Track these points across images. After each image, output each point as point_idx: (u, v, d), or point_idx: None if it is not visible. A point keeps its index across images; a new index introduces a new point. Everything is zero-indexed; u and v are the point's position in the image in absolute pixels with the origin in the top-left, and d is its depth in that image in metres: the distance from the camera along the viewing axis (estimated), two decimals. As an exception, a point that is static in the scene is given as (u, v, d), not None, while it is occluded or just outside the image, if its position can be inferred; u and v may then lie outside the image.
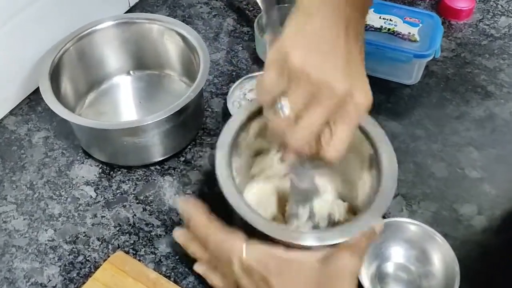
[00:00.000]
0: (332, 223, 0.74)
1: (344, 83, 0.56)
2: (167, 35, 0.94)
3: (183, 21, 0.95)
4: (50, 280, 0.76)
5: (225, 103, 0.94)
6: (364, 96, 0.59)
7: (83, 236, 0.80)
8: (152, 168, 0.88)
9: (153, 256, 0.78)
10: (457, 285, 0.70)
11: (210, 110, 0.96)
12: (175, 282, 0.75)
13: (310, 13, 0.57)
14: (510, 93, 0.98)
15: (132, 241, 0.80)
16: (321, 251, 0.63)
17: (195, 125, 0.91)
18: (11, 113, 0.96)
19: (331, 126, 0.59)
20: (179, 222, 0.81)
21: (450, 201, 0.84)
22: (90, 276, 0.74)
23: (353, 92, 0.57)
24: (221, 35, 1.10)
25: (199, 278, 0.75)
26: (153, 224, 0.82)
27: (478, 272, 0.76)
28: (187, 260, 0.77)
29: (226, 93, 0.95)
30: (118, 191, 0.85)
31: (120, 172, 0.88)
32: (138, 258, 0.78)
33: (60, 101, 0.82)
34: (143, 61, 0.99)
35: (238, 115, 0.73)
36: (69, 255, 0.79)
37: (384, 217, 0.81)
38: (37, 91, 0.95)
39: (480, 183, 0.86)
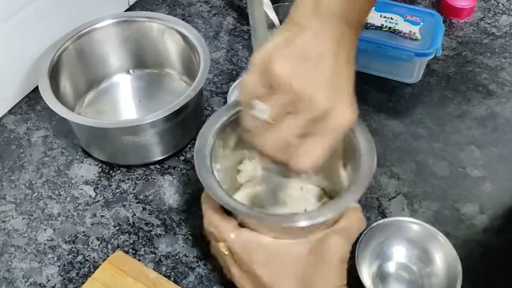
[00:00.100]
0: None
1: (325, 99, 0.55)
2: (167, 34, 0.94)
3: (183, 19, 0.94)
4: (49, 280, 0.76)
5: (225, 102, 0.94)
6: (344, 115, 0.56)
7: (83, 236, 0.80)
8: (152, 167, 0.88)
9: (153, 255, 0.78)
10: (459, 285, 0.70)
11: (210, 109, 0.95)
12: (175, 282, 0.74)
13: (302, 25, 0.55)
14: (512, 92, 0.98)
15: (131, 241, 0.79)
16: (309, 238, 0.63)
17: (195, 124, 0.90)
18: (10, 112, 0.96)
19: (306, 139, 0.57)
20: (179, 222, 0.81)
21: (452, 200, 0.83)
22: (90, 276, 0.74)
23: (333, 110, 0.55)
24: (221, 33, 1.10)
25: (199, 278, 0.75)
26: (152, 224, 0.81)
27: (480, 271, 0.75)
28: (187, 260, 0.77)
29: (226, 92, 0.94)
30: (117, 191, 0.85)
31: (119, 171, 0.87)
32: (137, 258, 0.77)
33: (59, 100, 0.82)
34: (143, 60, 0.99)
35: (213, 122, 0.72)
36: (68, 254, 0.78)
37: (385, 216, 0.81)
38: (36, 90, 0.95)
39: (482, 182, 0.85)
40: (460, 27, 1.10)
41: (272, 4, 1.02)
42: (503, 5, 1.14)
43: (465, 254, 0.74)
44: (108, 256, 0.76)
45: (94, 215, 0.82)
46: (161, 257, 0.78)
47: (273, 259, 0.62)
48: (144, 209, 0.83)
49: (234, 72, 1.02)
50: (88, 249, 0.79)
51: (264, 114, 0.56)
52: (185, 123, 0.86)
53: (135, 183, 0.86)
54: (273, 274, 0.62)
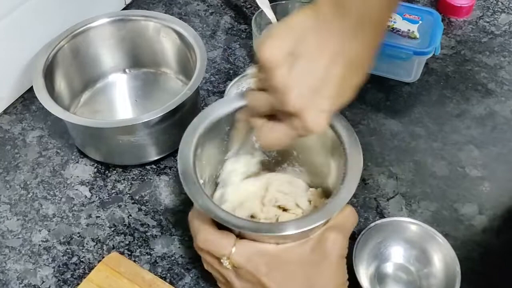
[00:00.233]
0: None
1: (297, 100, 0.56)
2: (164, 33, 0.93)
3: (179, 18, 0.93)
4: (43, 282, 0.75)
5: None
6: (312, 121, 0.57)
7: (78, 237, 0.79)
8: (148, 167, 0.87)
9: (149, 257, 0.77)
10: (458, 286, 0.69)
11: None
12: (171, 283, 0.74)
13: (318, 14, 0.55)
14: (511, 91, 0.97)
15: (127, 242, 0.79)
16: (308, 238, 0.63)
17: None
18: (5, 112, 0.95)
19: (275, 120, 0.61)
20: (175, 222, 0.80)
21: (450, 200, 0.83)
22: (85, 278, 0.73)
23: (302, 112, 0.56)
24: (218, 32, 1.09)
25: (195, 279, 0.75)
26: (148, 225, 0.80)
27: (479, 272, 0.75)
28: (183, 261, 0.76)
29: (223, 91, 0.94)
30: (113, 191, 0.84)
31: (115, 171, 0.87)
32: (133, 259, 0.77)
33: (55, 100, 0.81)
34: (139, 59, 0.98)
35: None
36: (63, 256, 0.77)
37: (383, 216, 0.80)
38: (31, 90, 0.94)
39: (481, 182, 0.85)
40: (459, 25, 1.10)
41: (270, 3, 1.02)
42: (502, 3, 1.14)
43: (464, 255, 0.73)
44: (103, 257, 0.76)
45: (90, 216, 0.81)
46: (157, 258, 0.77)
47: (277, 266, 0.62)
48: (140, 209, 0.82)
49: (231, 71, 1.01)
50: (83, 250, 0.78)
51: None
52: (181, 123, 0.84)
53: (131, 184, 0.85)
54: (279, 280, 0.61)
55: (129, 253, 0.77)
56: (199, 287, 0.74)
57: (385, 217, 0.79)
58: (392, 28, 0.97)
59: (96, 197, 0.84)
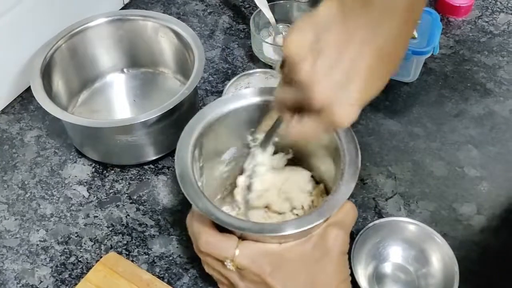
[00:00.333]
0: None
1: (324, 92, 0.54)
2: (162, 32, 0.93)
3: (178, 18, 0.93)
4: (41, 282, 0.75)
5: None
6: (340, 113, 0.55)
7: (75, 237, 0.79)
8: (146, 167, 0.87)
9: (147, 256, 0.77)
10: (456, 286, 0.69)
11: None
12: (169, 283, 0.74)
13: (343, 5, 0.53)
14: (510, 91, 0.97)
15: (125, 242, 0.78)
16: (310, 236, 0.63)
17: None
18: (3, 111, 0.95)
19: (301, 113, 0.59)
20: (173, 222, 0.80)
21: (449, 200, 0.82)
22: (82, 277, 0.73)
23: (330, 107, 0.54)
24: (217, 32, 1.09)
25: (193, 279, 0.74)
26: (146, 224, 0.80)
27: (478, 272, 0.75)
28: (181, 261, 0.76)
29: (221, 91, 0.94)
30: (111, 191, 0.84)
31: (113, 171, 0.86)
32: (131, 259, 0.76)
33: (52, 100, 0.81)
34: (137, 59, 0.98)
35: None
36: (61, 255, 0.77)
37: (381, 216, 0.80)
38: (29, 89, 0.94)
39: (480, 182, 0.85)
40: (458, 25, 1.09)
41: (268, 3, 1.01)
42: (501, 3, 1.14)
43: (462, 255, 0.73)
44: (101, 257, 0.75)
45: (87, 215, 0.81)
46: (155, 258, 0.77)
47: (280, 265, 0.62)
48: (137, 209, 0.82)
49: (229, 71, 1.01)
50: (81, 250, 0.78)
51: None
52: (179, 123, 0.84)
53: (129, 183, 0.85)
54: (283, 279, 0.61)
55: (127, 253, 0.77)
56: (197, 287, 0.74)
57: (383, 217, 0.79)
58: (391, 27, 0.97)
59: (94, 197, 0.83)
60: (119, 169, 0.87)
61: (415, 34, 0.96)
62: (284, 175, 0.76)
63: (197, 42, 0.88)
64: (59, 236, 0.79)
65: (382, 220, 0.76)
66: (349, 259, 0.70)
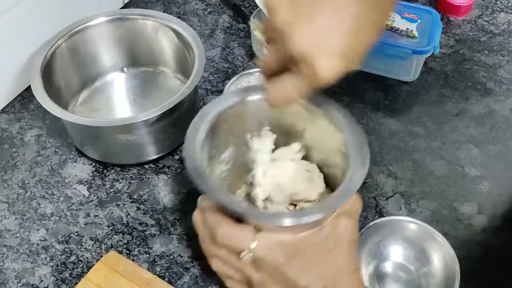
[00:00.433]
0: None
1: (304, 41, 0.51)
2: (162, 32, 0.93)
3: (178, 17, 0.93)
4: (42, 281, 0.75)
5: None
6: (324, 67, 0.51)
7: (76, 236, 0.79)
8: (146, 166, 0.87)
9: (147, 256, 0.77)
10: (457, 285, 0.69)
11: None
12: (170, 282, 0.74)
13: None
14: (510, 90, 0.97)
15: (125, 241, 0.78)
16: (321, 226, 0.63)
17: (189, 123, 0.89)
18: (3, 111, 0.95)
19: (284, 74, 0.57)
20: (174, 221, 0.80)
21: (449, 199, 0.82)
22: (83, 277, 0.73)
23: (313, 57, 0.51)
24: (217, 31, 1.09)
25: (194, 278, 0.74)
26: (147, 224, 0.80)
27: (479, 272, 0.75)
28: (182, 260, 0.76)
29: (222, 90, 0.94)
30: (111, 190, 0.84)
31: (113, 170, 0.86)
32: (131, 258, 0.76)
33: (53, 99, 0.81)
34: (137, 58, 0.98)
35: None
36: (61, 255, 0.77)
37: (382, 215, 0.80)
38: (29, 88, 0.93)
39: (480, 181, 0.85)
40: (458, 24, 1.09)
41: None
42: (501, 2, 1.14)
43: (463, 254, 0.73)
44: (101, 256, 0.75)
45: (88, 215, 0.81)
46: (156, 257, 0.77)
47: (295, 255, 0.62)
48: (138, 208, 0.82)
49: (229, 70, 1.01)
50: (82, 249, 0.78)
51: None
52: (179, 122, 0.84)
53: (129, 183, 0.85)
54: (298, 269, 0.61)
55: (128, 252, 0.77)
56: (198, 286, 0.74)
57: (384, 216, 0.79)
58: (391, 27, 0.97)
59: (95, 196, 0.83)
60: (119, 168, 0.87)
61: (416, 33, 0.96)
62: (289, 169, 0.76)
63: (197, 41, 0.88)
64: (60, 235, 0.79)
65: (382, 219, 0.76)
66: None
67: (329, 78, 0.53)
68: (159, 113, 0.78)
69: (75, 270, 0.76)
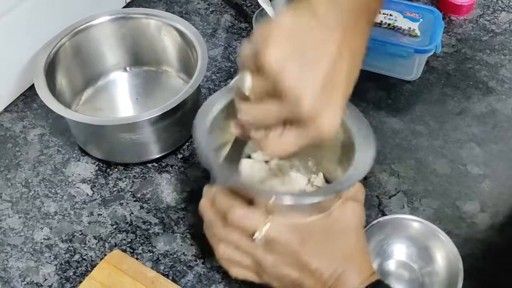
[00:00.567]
0: None
1: (311, 104, 0.52)
2: (165, 31, 0.93)
3: (180, 17, 0.93)
4: (46, 279, 0.75)
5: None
6: (328, 124, 0.54)
7: (79, 235, 0.79)
8: (150, 165, 0.87)
9: (151, 254, 0.77)
10: (461, 283, 0.69)
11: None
12: (173, 280, 0.74)
13: (314, 11, 0.53)
14: (512, 89, 0.98)
15: (129, 240, 0.78)
16: (329, 211, 0.64)
17: (192, 122, 0.89)
18: (6, 110, 0.95)
19: (285, 128, 0.57)
20: (177, 220, 0.80)
21: (452, 198, 0.83)
22: (87, 275, 0.73)
23: (317, 117, 0.53)
24: (219, 31, 1.09)
25: (198, 277, 0.75)
26: (150, 222, 0.80)
27: (482, 269, 0.75)
28: (185, 259, 0.76)
29: (224, 90, 0.94)
30: (114, 189, 0.84)
31: (116, 169, 0.87)
32: (135, 257, 0.76)
33: (56, 98, 0.81)
34: (140, 57, 0.98)
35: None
36: (65, 253, 0.77)
37: (385, 214, 0.80)
38: (32, 87, 0.94)
39: (483, 180, 0.85)
40: (459, 24, 1.10)
41: (270, 1, 1.01)
42: (502, 2, 1.14)
43: (466, 252, 0.73)
44: (105, 255, 0.75)
45: (91, 213, 0.81)
46: (159, 255, 0.77)
47: (307, 238, 0.62)
48: (141, 207, 0.82)
49: (232, 69, 1.01)
50: (85, 248, 0.78)
51: (246, 85, 0.55)
52: (182, 121, 0.85)
53: (133, 182, 0.85)
54: (310, 251, 0.62)
55: (131, 250, 0.77)
56: (202, 284, 0.74)
57: (387, 215, 0.79)
58: (393, 26, 0.97)
59: (98, 195, 0.83)
60: (122, 167, 0.87)
61: (418, 32, 0.96)
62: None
63: (200, 40, 0.88)
64: (63, 234, 0.79)
65: (386, 217, 0.76)
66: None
67: (332, 134, 0.55)
68: (163, 112, 0.78)
69: (79, 268, 0.76)
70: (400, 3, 1.01)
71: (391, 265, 0.75)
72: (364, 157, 0.65)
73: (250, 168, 0.78)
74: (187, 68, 0.93)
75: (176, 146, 0.88)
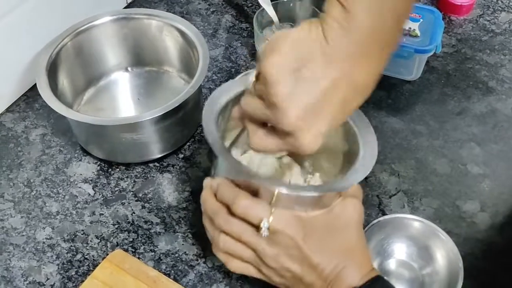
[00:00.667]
0: None
1: (296, 120, 0.55)
2: (166, 31, 0.93)
3: (181, 17, 0.94)
4: (48, 279, 0.75)
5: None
6: (307, 142, 0.57)
7: (81, 234, 0.80)
8: (151, 165, 0.87)
9: (153, 254, 0.77)
10: (461, 283, 0.70)
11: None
12: (175, 280, 0.74)
13: (326, 35, 0.54)
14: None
15: (131, 239, 0.79)
16: (330, 207, 0.65)
17: (194, 122, 0.90)
18: (8, 110, 0.95)
19: (270, 130, 0.60)
20: (179, 220, 0.81)
21: (452, 197, 0.83)
22: (89, 275, 0.73)
23: (299, 132, 0.56)
24: (220, 31, 1.09)
25: (199, 276, 0.75)
26: (152, 222, 0.81)
27: (482, 269, 0.75)
28: (187, 258, 0.77)
29: (225, 90, 0.94)
30: (116, 189, 0.84)
31: (118, 169, 0.87)
32: (137, 256, 0.77)
33: (58, 98, 0.81)
34: (142, 58, 0.98)
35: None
36: (67, 253, 0.78)
37: (385, 213, 0.81)
38: (34, 87, 0.95)
39: (483, 179, 0.85)
40: (459, 24, 1.10)
41: (271, 1, 1.02)
42: (502, 2, 1.14)
43: (466, 252, 0.74)
44: (107, 254, 0.76)
45: (93, 213, 0.82)
46: (161, 255, 0.77)
47: (311, 231, 0.63)
48: (143, 207, 0.82)
49: (233, 69, 1.02)
50: (87, 248, 0.78)
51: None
52: (184, 121, 0.85)
53: (134, 181, 0.85)
54: (313, 245, 0.62)
55: (133, 250, 0.78)
56: (203, 284, 0.74)
57: (387, 214, 0.79)
58: (394, 26, 0.97)
59: (100, 194, 0.84)
60: (124, 167, 0.87)
61: (418, 32, 0.96)
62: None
63: (201, 40, 0.88)
64: (65, 233, 0.80)
65: (386, 217, 0.77)
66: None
67: (309, 152, 0.57)
68: (164, 112, 0.79)
69: (81, 268, 0.76)
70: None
71: (391, 264, 0.75)
72: (368, 156, 0.67)
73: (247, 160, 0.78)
74: (188, 68, 0.93)
75: (177, 146, 0.88)
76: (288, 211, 0.63)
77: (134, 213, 0.82)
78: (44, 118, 0.94)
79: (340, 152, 0.73)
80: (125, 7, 1.12)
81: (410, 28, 0.97)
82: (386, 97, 0.97)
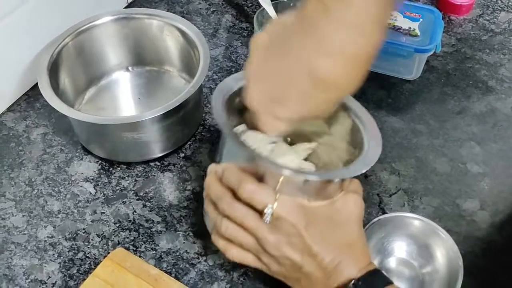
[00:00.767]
0: None
1: (258, 103, 0.62)
2: (167, 31, 0.93)
3: (181, 17, 0.94)
4: (50, 277, 0.75)
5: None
6: (263, 124, 0.63)
7: (83, 233, 0.80)
8: (152, 164, 0.88)
9: (154, 252, 0.78)
10: (461, 281, 0.70)
11: (209, 106, 0.95)
12: (176, 278, 0.74)
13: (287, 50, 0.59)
14: (511, 88, 0.98)
15: (132, 238, 0.79)
16: (332, 200, 0.65)
17: (194, 121, 0.90)
18: (9, 109, 0.95)
19: None
20: (180, 218, 0.81)
21: (452, 196, 0.83)
22: (90, 273, 0.73)
23: (259, 116, 0.62)
24: (220, 31, 1.10)
25: (200, 274, 0.75)
26: (153, 220, 0.81)
27: (481, 267, 0.76)
28: (188, 257, 0.77)
29: (226, 89, 0.94)
30: (117, 188, 0.85)
31: (119, 168, 0.87)
32: (138, 255, 0.77)
33: (59, 97, 0.81)
34: (142, 57, 0.98)
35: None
36: (68, 251, 0.78)
37: (385, 212, 0.81)
38: (35, 87, 0.95)
39: (482, 178, 0.85)
40: (459, 23, 1.10)
41: (271, 1, 1.02)
42: (501, 1, 1.15)
43: (466, 250, 0.74)
44: (108, 253, 0.76)
45: (94, 212, 0.82)
46: (162, 253, 0.77)
47: (313, 221, 0.63)
48: (144, 206, 0.83)
49: (233, 69, 1.02)
50: (89, 246, 0.78)
51: None
52: (184, 120, 0.85)
53: (135, 180, 0.86)
54: (315, 235, 0.62)
55: (134, 248, 0.78)
56: (204, 282, 0.75)
57: (387, 213, 0.80)
58: (393, 26, 0.98)
59: (101, 193, 0.84)
60: (125, 166, 0.87)
61: (418, 32, 0.97)
62: None
63: (202, 40, 0.88)
64: (67, 232, 0.80)
65: (387, 215, 0.77)
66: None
67: (269, 133, 0.64)
68: (165, 111, 0.79)
69: (83, 266, 0.76)
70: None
71: (391, 262, 0.76)
72: (372, 149, 0.68)
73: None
74: (189, 68, 0.94)
75: (178, 145, 0.89)
76: (292, 198, 0.63)
77: (135, 211, 0.82)
78: (45, 118, 0.94)
79: (344, 149, 0.73)
80: (126, 7, 1.12)
81: (410, 27, 0.97)
82: (386, 97, 0.97)
